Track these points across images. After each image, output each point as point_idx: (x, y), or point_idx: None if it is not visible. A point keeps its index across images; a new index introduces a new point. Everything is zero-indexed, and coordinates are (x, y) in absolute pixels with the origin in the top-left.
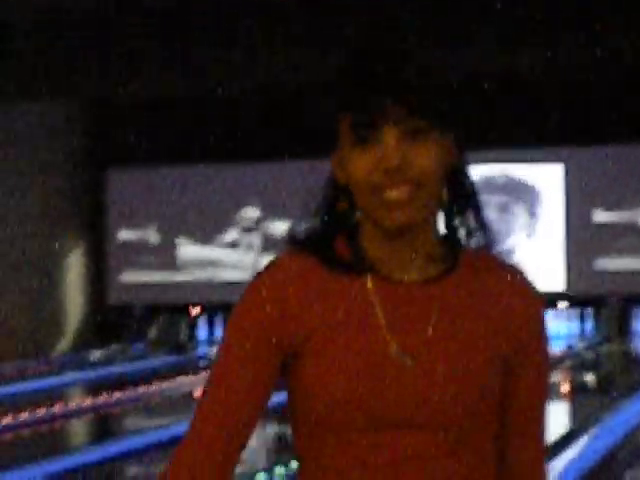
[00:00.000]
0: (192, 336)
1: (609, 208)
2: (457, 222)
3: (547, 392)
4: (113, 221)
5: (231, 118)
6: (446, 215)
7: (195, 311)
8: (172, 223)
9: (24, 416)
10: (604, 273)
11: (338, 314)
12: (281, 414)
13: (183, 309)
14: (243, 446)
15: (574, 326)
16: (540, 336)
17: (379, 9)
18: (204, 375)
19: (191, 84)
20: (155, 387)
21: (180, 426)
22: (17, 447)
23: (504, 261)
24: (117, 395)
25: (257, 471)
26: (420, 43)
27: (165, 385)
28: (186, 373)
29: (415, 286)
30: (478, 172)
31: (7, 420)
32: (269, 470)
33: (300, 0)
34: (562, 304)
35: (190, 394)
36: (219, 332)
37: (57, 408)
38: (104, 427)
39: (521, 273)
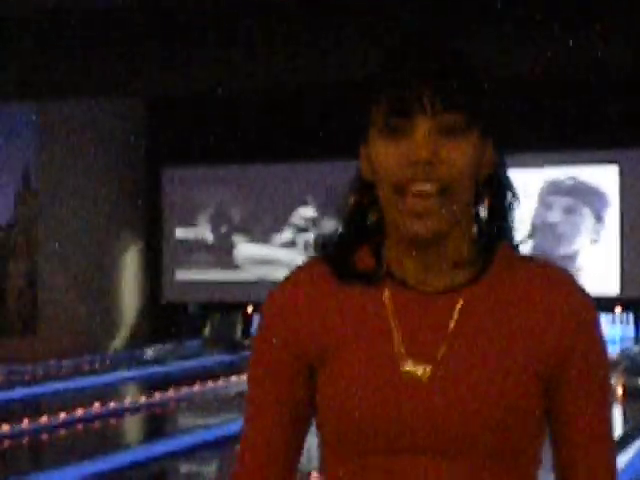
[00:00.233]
0: (247, 335)
1: None
2: (491, 228)
3: (609, 410)
4: (169, 219)
5: (289, 117)
6: (479, 222)
7: (250, 310)
8: (228, 222)
9: (79, 413)
10: None
11: (352, 327)
12: None
13: (238, 308)
14: (294, 463)
15: (629, 330)
16: (593, 348)
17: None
18: None
19: (250, 83)
20: (209, 386)
21: (233, 425)
22: (71, 444)
23: (549, 265)
24: (171, 393)
25: (310, 470)
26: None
27: (219, 384)
28: (240, 372)
29: (436, 296)
30: (545, 175)
31: (62, 416)
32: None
33: None
34: (617, 308)
35: (244, 393)
36: None
37: (111, 405)
38: (157, 425)
39: (568, 278)
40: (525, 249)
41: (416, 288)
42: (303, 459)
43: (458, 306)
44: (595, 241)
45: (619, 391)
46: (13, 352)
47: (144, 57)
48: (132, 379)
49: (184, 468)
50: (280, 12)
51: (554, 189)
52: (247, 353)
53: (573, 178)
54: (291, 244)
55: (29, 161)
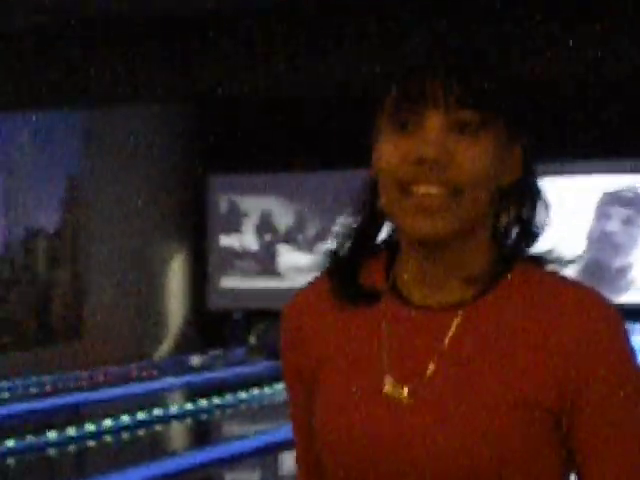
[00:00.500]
0: None
1: None
2: (512, 242)
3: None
4: (214, 227)
5: (337, 124)
6: (500, 233)
7: None
8: (272, 230)
9: (124, 420)
10: None
11: (342, 346)
12: None
13: None
14: None
15: None
16: (614, 375)
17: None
18: None
19: (297, 90)
20: (254, 393)
21: (278, 432)
22: (117, 451)
23: (571, 285)
24: (216, 400)
25: None
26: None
27: (264, 391)
28: None
29: (435, 313)
30: (605, 184)
31: (108, 424)
32: None
33: None
34: None
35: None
36: None
37: (157, 412)
38: (203, 432)
39: (587, 299)
40: (578, 261)
41: (417, 304)
42: None
43: (454, 324)
44: None
45: None
46: (59, 359)
47: (192, 63)
48: (178, 386)
49: (229, 475)
50: (329, 19)
51: (613, 200)
52: None
53: (633, 189)
54: None
55: (75, 169)
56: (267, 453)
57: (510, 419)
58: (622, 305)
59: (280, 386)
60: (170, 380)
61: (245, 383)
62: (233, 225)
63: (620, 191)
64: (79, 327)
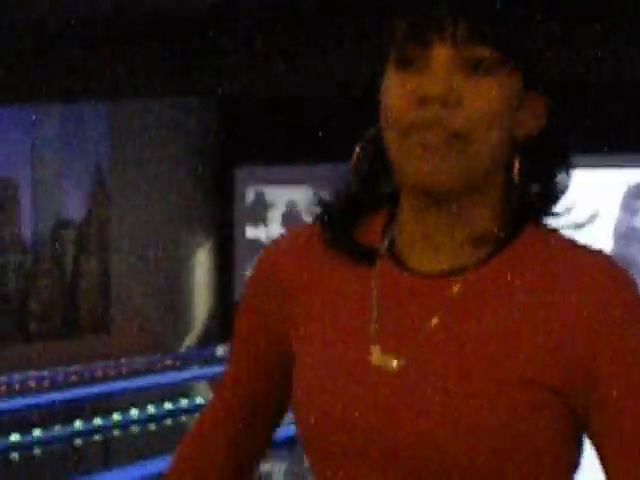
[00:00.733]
0: None
1: None
2: (525, 200)
3: None
4: (240, 219)
5: (360, 117)
6: (512, 191)
7: None
8: (298, 221)
9: (150, 410)
10: None
11: (329, 309)
12: None
13: None
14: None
15: None
16: (632, 349)
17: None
18: None
19: (318, 84)
20: None
21: None
22: (143, 441)
23: (585, 251)
24: None
25: None
26: None
27: None
28: None
29: (431, 279)
30: (627, 177)
31: (134, 414)
32: None
33: None
34: None
35: None
36: None
37: (182, 403)
38: None
39: (601, 266)
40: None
41: (413, 269)
42: None
43: (452, 292)
44: None
45: None
46: (86, 350)
47: (218, 56)
48: (203, 377)
49: None
50: (360, 16)
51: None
52: None
53: None
54: None
55: (102, 160)
56: (292, 445)
57: (510, 399)
58: None
59: None
60: (195, 371)
61: None
62: (259, 216)
63: None
64: (106, 318)
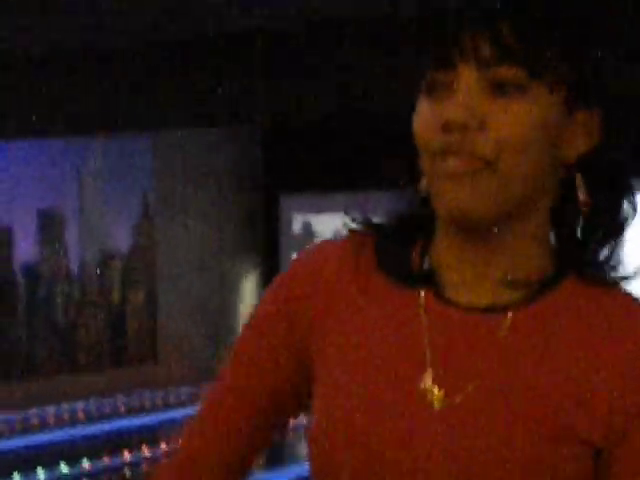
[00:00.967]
0: None
1: None
2: (575, 234)
3: None
4: (286, 246)
5: (404, 145)
6: (558, 221)
7: None
8: None
9: None
10: None
11: (371, 331)
12: None
13: None
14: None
15: None
16: None
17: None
18: None
19: (365, 112)
20: None
21: None
22: None
23: (637, 302)
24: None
25: None
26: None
27: None
28: None
29: (478, 314)
30: None
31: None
32: None
33: None
34: None
35: None
36: None
37: None
38: (276, 452)
39: None
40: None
41: (456, 301)
42: None
43: (501, 332)
44: None
45: None
46: (133, 380)
47: (261, 85)
48: None
49: None
50: (395, 41)
51: None
52: None
53: None
54: None
55: (147, 190)
56: None
57: (549, 451)
58: None
59: None
60: None
61: None
62: (305, 244)
63: None
64: (153, 348)
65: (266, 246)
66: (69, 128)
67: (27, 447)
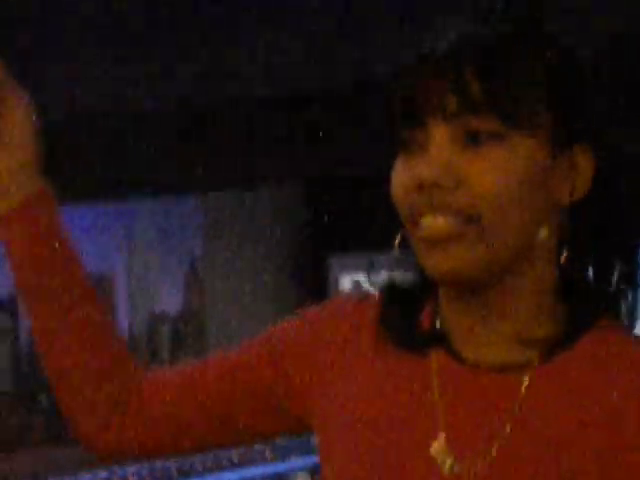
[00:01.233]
0: None
1: None
2: (581, 283)
3: None
4: None
5: None
6: (562, 270)
7: None
8: None
9: None
10: None
11: (380, 392)
12: None
13: None
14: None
15: None
16: None
17: None
18: None
19: None
20: None
21: None
22: None
23: None
24: None
25: None
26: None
27: None
28: None
29: (493, 375)
30: None
31: None
32: None
33: None
34: None
35: None
36: None
37: None
38: None
39: None
40: None
41: (468, 359)
42: None
43: (520, 393)
44: None
45: None
46: None
47: (307, 143)
48: (301, 468)
49: None
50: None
51: None
52: None
53: None
54: None
55: (196, 251)
56: None
57: None
58: None
59: None
60: (294, 462)
61: None
62: None
63: None
64: None
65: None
66: (117, 191)
67: None
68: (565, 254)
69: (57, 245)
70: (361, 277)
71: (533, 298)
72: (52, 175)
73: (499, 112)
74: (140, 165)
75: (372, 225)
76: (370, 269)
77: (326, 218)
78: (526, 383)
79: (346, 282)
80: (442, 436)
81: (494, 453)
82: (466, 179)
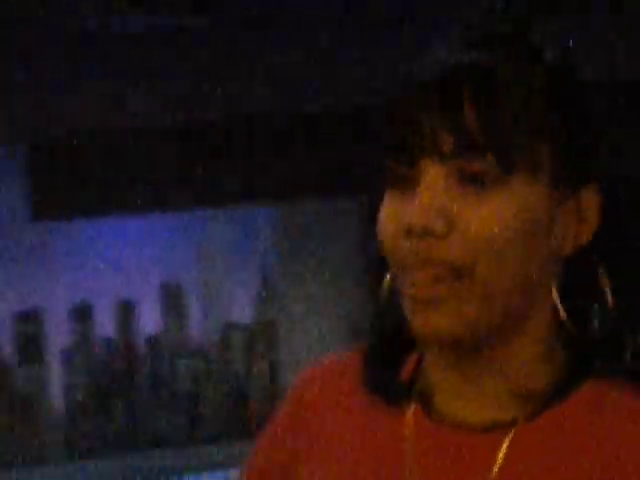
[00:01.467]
0: None
1: None
2: (588, 329)
3: None
4: None
5: None
6: (567, 324)
7: None
8: None
9: None
10: None
11: (350, 455)
12: None
13: None
14: None
15: None
16: None
17: None
18: None
19: None
20: None
21: None
22: None
23: None
24: None
25: None
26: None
27: None
28: None
29: (473, 435)
30: None
31: None
32: None
33: None
34: None
35: None
36: None
37: None
38: None
39: None
40: None
41: (448, 417)
42: None
43: (501, 451)
44: None
45: None
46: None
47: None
48: None
49: None
50: None
51: None
52: None
53: None
54: None
55: (269, 261)
56: None
57: None
58: None
59: None
60: None
61: None
62: None
63: None
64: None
65: None
66: (188, 202)
67: None
68: (564, 310)
69: None
70: None
71: (530, 350)
72: (126, 186)
73: (498, 153)
74: (212, 175)
75: None
76: None
77: None
78: (506, 443)
79: None
80: None
81: None
82: (459, 225)
